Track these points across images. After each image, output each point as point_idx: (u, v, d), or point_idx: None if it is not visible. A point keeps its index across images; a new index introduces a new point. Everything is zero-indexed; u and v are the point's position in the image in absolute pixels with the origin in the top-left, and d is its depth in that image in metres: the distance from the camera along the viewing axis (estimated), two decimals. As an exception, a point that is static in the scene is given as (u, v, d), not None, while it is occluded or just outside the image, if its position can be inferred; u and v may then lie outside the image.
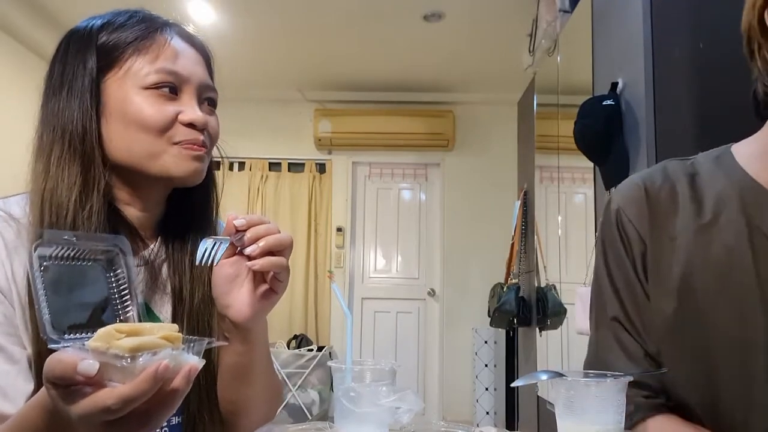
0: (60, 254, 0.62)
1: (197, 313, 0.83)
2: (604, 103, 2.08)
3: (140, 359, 0.52)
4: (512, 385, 0.72)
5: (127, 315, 0.68)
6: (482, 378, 4.43)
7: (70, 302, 0.63)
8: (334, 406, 0.79)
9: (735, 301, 0.74)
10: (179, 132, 0.79)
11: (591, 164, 2.31)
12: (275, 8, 3.64)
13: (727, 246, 0.76)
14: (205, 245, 0.72)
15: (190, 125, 0.79)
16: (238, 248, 0.75)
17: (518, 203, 4.07)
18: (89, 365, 0.51)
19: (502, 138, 4.76)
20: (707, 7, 1.86)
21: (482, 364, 4.45)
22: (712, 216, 0.78)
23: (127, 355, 0.51)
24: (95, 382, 0.52)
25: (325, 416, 4.26)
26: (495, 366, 4.43)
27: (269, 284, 0.76)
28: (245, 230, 0.72)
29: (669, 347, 0.80)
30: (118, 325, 0.54)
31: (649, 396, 0.80)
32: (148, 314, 0.81)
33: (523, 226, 3.98)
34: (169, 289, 0.84)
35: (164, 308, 0.84)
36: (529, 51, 3.54)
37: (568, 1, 2.79)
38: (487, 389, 4.40)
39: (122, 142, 0.78)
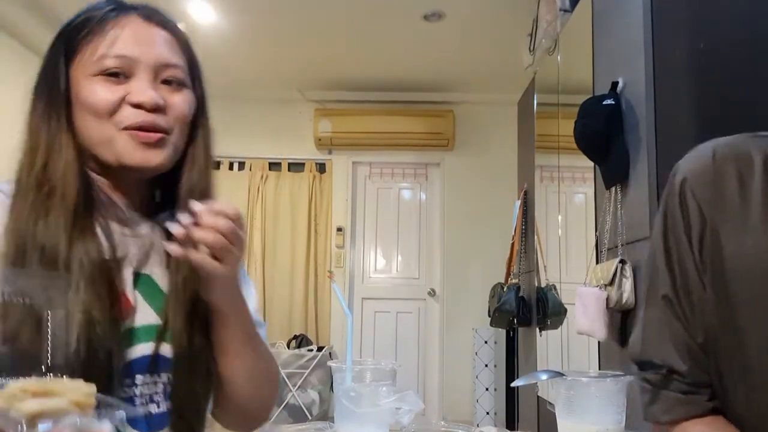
0: None
1: (188, 282, 0.80)
2: (604, 102, 2.08)
3: (40, 427, 0.49)
4: (512, 385, 0.72)
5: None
6: (482, 378, 4.43)
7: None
8: (335, 406, 0.79)
9: None
10: (127, 115, 0.76)
11: (591, 164, 2.31)
12: (275, 8, 3.63)
13: None
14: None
15: (138, 106, 0.76)
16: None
17: (518, 203, 4.06)
18: None
19: (502, 138, 4.75)
20: (707, 7, 1.86)
21: (482, 364, 4.44)
22: None
23: (24, 421, 0.49)
24: None
25: (325, 416, 4.26)
26: (495, 366, 4.42)
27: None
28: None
29: (710, 340, 0.75)
30: (25, 383, 0.51)
31: (689, 391, 0.76)
32: (149, 284, 0.80)
33: (523, 226, 3.98)
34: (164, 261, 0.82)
35: (163, 280, 0.82)
36: (530, 50, 3.53)
37: (568, 0, 2.79)
38: (487, 389, 4.40)
39: (83, 130, 0.78)
